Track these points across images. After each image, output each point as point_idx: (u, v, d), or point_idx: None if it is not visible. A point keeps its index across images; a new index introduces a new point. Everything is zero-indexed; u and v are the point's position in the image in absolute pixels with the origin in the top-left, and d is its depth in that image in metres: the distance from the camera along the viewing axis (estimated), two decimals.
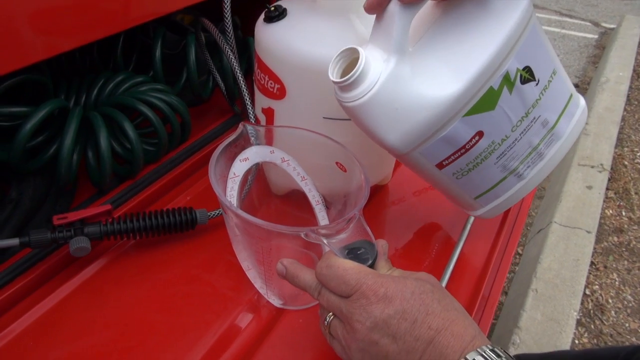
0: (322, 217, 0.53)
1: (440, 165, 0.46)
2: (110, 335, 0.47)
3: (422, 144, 0.43)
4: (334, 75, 0.41)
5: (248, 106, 0.64)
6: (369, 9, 0.40)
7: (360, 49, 0.40)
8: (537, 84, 0.43)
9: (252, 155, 0.50)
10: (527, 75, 0.42)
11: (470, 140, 0.43)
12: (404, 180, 0.73)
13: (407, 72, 0.40)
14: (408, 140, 0.42)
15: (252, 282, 0.52)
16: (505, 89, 0.41)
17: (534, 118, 0.44)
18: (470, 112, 0.41)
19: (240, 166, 0.48)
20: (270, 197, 0.62)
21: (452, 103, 0.40)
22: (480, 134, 0.43)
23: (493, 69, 0.40)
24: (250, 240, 0.46)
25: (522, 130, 0.44)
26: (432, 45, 0.41)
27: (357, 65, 0.39)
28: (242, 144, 0.49)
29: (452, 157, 0.44)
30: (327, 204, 0.54)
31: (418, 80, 0.40)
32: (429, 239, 0.63)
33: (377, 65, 0.40)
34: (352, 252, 0.39)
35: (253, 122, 0.63)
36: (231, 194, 0.47)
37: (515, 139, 0.44)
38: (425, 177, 0.48)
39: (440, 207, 0.68)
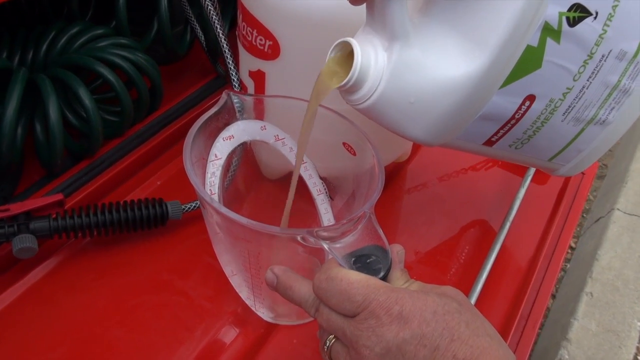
0: (325, 210, 0.53)
1: (489, 143, 0.47)
2: (61, 355, 0.47)
3: (455, 131, 0.44)
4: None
5: (231, 70, 0.63)
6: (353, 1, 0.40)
7: (354, 43, 0.41)
8: (595, 18, 0.42)
9: (238, 133, 0.49)
10: (577, 14, 0.41)
11: (519, 108, 0.43)
12: (427, 159, 0.73)
13: (416, 56, 0.40)
14: (436, 132, 0.43)
15: (237, 290, 0.52)
16: (549, 41, 0.40)
17: (603, 56, 0.43)
18: (509, 81, 0.41)
19: (223, 146, 0.48)
20: (260, 181, 0.62)
21: (479, 80, 0.39)
22: (530, 98, 0.43)
23: (524, 26, 0.39)
24: (235, 242, 0.45)
25: (590, 74, 0.44)
26: (440, 14, 0.41)
27: (354, 66, 0.40)
28: (226, 118, 0.49)
29: (501, 132, 0.45)
30: (331, 193, 0.54)
31: (431, 62, 0.40)
32: (458, 239, 0.63)
33: (378, 58, 0.41)
34: (360, 261, 0.39)
35: (238, 89, 0.63)
36: (212, 181, 0.47)
37: (583, 87, 0.44)
38: (475, 154, 0.50)
39: (474, 195, 0.68)
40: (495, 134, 0.46)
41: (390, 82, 0.41)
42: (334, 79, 0.43)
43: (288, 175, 0.51)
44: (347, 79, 0.41)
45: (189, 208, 0.59)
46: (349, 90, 0.43)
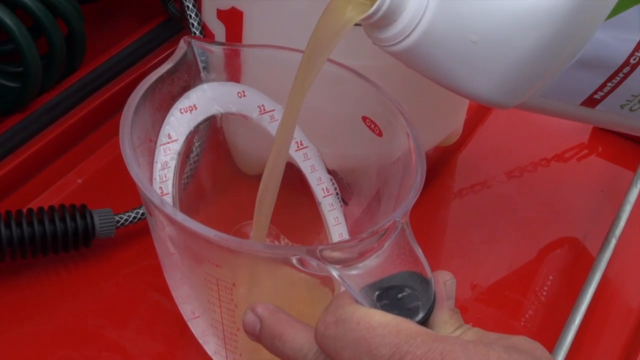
0: (335, 219, 0.53)
1: (590, 102, 0.47)
2: None
3: (539, 85, 0.44)
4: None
5: (189, 9, 0.63)
6: None
7: None
8: None
9: (202, 102, 0.50)
10: None
11: (637, 49, 0.44)
12: (487, 142, 0.73)
13: None
14: (511, 87, 0.43)
15: (200, 342, 0.52)
16: None
17: None
18: (620, 8, 0.41)
19: (180, 122, 0.48)
20: (236, 178, 0.62)
21: (575, 7, 0.39)
22: None
23: None
24: (198, 267, 0.45)
25: None
26: None
27: None
28: (185, 79, 0.49)
29: (609, 85, 0.46)
30: (344, 195, 0.54)
31: None
32: (537, 265, 0.63)
33: None
34: (388, 296, 0.39)
35: (202, 36, 0.63)
36: (163, 175, 0.47)
37: None
38: (568, 118, 0.51)
39: (560, 200, 0.68)
40: (600, 88, 0.45)
41: (441, 11, 0.40)
42: (352, 7, 0.43)
43: None
44: (376, 6, 0.40)
45: (128, 220, 0.59)
46: (378, 24, 0.42)
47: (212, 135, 0.55)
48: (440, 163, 0.70)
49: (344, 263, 0.39)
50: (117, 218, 0.58)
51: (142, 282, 0.57)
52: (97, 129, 0.70)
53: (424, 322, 0.39)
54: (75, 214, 0.57)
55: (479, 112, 0.76)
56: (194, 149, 0.55)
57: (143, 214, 0.59)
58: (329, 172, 0.53)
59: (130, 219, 0.59)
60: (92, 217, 0.57)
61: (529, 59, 0.41)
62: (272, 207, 0.50)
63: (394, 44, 0.42)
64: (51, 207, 0.57)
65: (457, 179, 0.70)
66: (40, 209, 0.56)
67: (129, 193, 0.62)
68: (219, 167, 0.59)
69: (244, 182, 0.61)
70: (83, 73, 0.71)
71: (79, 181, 0.66)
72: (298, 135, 0.52)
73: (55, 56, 0.67)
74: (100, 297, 0.56)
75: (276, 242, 0.57)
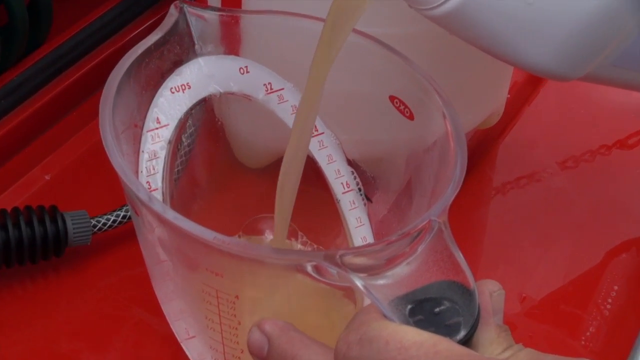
0: (357, 220, 0.54)
1: None
2: None
3: (610, 50, 0.44)
4: None
5: None
6: None
7: None
8: None
9: (197, 78, 0.50)
10: None
11: None
12: (535, 125, 0.73)
13: None
14: (577, 54, 0.43)
15: None
16: None
17: None
18: None
19: (171, 103, 0.49)
20: (236, 172, 0.62)
21: None
22: None
23: None
24: (193, 276, 0.46)
25: None
26: None
27: None
28: (176, 51, 0.49)
29: None
30: (368, 191, 0.54)
31: None
32: (599, 274, 0.63)
33: None
34: (422, 310, 0.39)
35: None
36: (151, 167, 0.47)
37: None
38: None
39: (627, 196, 0.68)
40: None
41: None
42: None
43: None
44: None
45: (107, 223, 0.59)
46: None
47: (208, 119, 0.56)
48: (479, 152, 0.71)
49: (370, 271, 0.39)
50: (93, 222, 0.58)
51: (125, 297, 0.57)
52: (68, 114, 0.70)
53: (467, 342, 0.39)
54: (43, 217, 0.56)
55: (524, 90, 0.76)
56: (187, 137, 0.55)
57: (125, 216, 0.59)
58: (350, 163, 0.53)
59: (110, 222, 0.59)
60: (64, 220, 0.57)
61: (596, 20, 0.41)
62: (292, 205, 0.50)
63: (435, 6, 0.42)
64: (15, 209, 0.57)
65: (500, 170, 0.70)
66: (2, 212, 0.56)
67: (109, 191, 0.62)
68: (217, 158, 0.60)
69: (245, 176, 0.62)
70: (50, 47, 0.71)
71: (47, 177, 0.65)
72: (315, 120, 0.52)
73: (16, 28, 0.68)
74: (75, 316, 0.56)
75: (293, 240, 0.57)
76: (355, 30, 0.49)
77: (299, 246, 0.58)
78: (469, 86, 0.61)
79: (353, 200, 0.53)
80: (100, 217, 0.59)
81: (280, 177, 0.49)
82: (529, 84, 0.76)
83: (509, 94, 0.70)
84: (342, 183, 0.53)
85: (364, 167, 0.54)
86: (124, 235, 0.60)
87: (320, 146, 0.53)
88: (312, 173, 0.53)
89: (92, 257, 0.60)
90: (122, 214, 0.59)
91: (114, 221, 0.59)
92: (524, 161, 0.71)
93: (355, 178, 0.53)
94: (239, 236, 0.57)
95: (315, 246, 0.58)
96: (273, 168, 0.59)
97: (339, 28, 0.44)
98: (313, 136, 0.52)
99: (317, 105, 0.47)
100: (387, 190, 0.53)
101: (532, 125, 0.74)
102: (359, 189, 0.53)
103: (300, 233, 0.57)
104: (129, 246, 0.60)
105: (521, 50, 0.43)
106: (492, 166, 0.70)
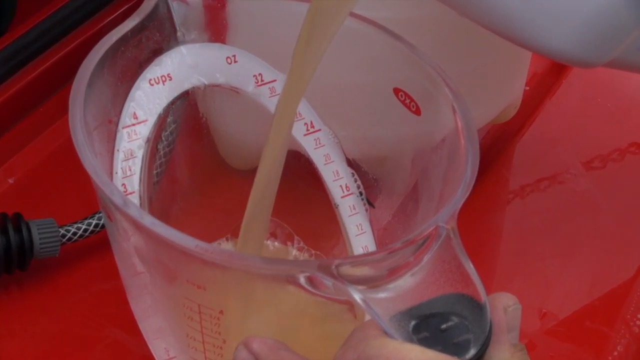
0: (357, 227, 0.54)
1: None
2: None
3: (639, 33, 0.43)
4: None
5: None
6: None
7: None
8: None
9: (179, 69, 0.50)
10: None
11: None
12: (557, 121, 0.74)
13: None
14: (601, 36, 0.43)
15: None
16: None
17: None
18: None
19: (150, 97, 0.49)
20: (222, 174, 0.63)
21: None
22: None
23: None
24: (173, 289, 0.46)
25: None
26: None
27: None
28: (156, 39, 0.50)
29: None
30: (369, 194, 0.54)
31: None
32: (628, 288, 0.63)
33: None
34: (428, 326, 0.39)
35: None
36: (127, 168, 0.48)
37: None
38: None
39: None
40: None
41: None
42: None
43: None
44: None
45: (77, 233, 0.59)
46: None
47: (191, 115, 0.56)
48: (493, 150, 0.71)
49: (370, 283, 0.39)
50: (62, 231, 0.58)
51: (98, 315, 0.57)
52: (34, 110, 0.70)
53: None
54: (6, 225, 0.56)
55: (544, 81, 0.76)
56: (168, 134, 0.55)
57: (98, 224, 0.59)
58: (349, 163, 0.53)
59: (81, 231, 0.59)
60: (29, 229, 0.57)
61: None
62: (270, 210, 0.50)
63: None
64: None
65: (517, 171, 0.70)
66: None
67: (79, 196, 0.62)
68: (200, 158, 0.60)
69: (231, 178, 0.62)
70: (13, 37, 0.71)
71: (11, 181, 0.65)
72: (307, 113, 0.52)
73: None
74: (42, 336, 0.56)
75: (289, 245, 0.57)
76: (353, 14, 0.49)
77: (295, 252, 0.58)
78: (481, 76, 0.61)
79: (353, 205, 0.53)
80: (69, 225, 0.59)
81: (256, 181, 0.50)
82: (549, 74, 0.76)
83: (527, 85, 0.70)
84: (340, 186, 0.53)
85: (365, 167, 0.54)
86: (97, 246, 0.60)
87: (316, 145, 0.52)
88: (307, 174, 0.53)
89: (60, 270, 0.60)
90: (94, 222, 0.59)
91: (85, 230, 0.59)
92: (544, 161, 0.71)
93: (355, 180, 0.53)
94: (227, 239, 0.57)
95: (313, 252, 0.58)
96: None
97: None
98: (308, 133, 0.52)
99: (300, 94, 0.47)
100: (391, 193, 0.53)
101: (553, 120, 0.74)
102: (360, 193, 0.53)
103: (296, 237, 0.57)
104: (102, 258, 0.60)
105: (540, 31, 0.43)
106: (508, 166, 0.70)
